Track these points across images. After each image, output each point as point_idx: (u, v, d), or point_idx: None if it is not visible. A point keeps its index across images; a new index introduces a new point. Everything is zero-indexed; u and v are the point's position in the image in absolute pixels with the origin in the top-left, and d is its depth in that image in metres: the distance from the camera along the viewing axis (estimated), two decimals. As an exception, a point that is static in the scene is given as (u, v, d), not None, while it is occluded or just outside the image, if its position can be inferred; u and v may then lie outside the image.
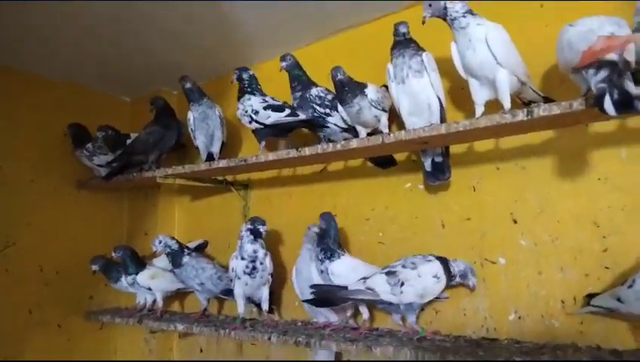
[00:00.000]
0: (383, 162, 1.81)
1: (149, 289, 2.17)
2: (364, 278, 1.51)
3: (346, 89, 1.60)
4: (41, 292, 2.28)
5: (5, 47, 2.11)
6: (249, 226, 1.82)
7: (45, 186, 2.35)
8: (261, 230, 1.82)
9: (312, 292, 1.52)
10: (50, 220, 2.35)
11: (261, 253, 1.80)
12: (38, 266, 2.30)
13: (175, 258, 1.99)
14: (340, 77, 1.60)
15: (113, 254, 2.17)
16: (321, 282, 1.64)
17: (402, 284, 1.44)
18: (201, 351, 2.36)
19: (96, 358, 2.48)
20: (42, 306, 2.28)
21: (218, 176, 2.23)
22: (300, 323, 1.87)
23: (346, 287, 1.50)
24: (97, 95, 2.62)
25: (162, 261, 2.33)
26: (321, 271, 1.65)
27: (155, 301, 2.22)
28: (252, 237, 1.81)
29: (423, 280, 1.46)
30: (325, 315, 1.76)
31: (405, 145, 1.54)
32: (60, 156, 2.40)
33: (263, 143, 1.87)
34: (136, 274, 2.15)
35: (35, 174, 2.32)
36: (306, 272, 1.74)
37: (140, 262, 2.21)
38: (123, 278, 2.19)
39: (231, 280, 1.85)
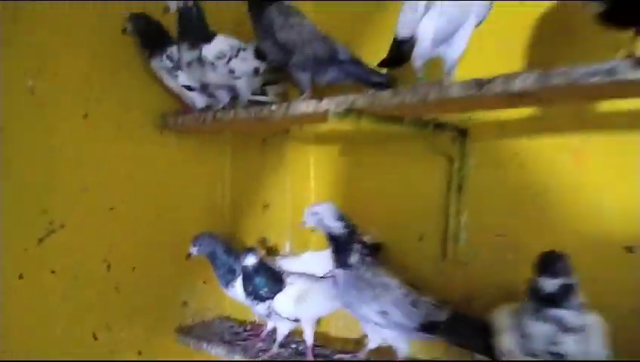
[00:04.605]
0: None
1: (295, 320, 1.20)
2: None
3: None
4: (109, 300, 1.38)
5: None
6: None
7: (105, 124, 1.35)
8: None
9: None
10: (114, 180, 1.37)
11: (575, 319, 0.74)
12: (104, 261, 1.37)
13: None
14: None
15: (245, 261, 1.16)
16: None
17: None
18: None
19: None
20: (112, 325, 1.39)
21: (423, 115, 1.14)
22: None
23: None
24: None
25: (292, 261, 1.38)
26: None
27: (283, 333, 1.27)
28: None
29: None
30: None
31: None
32: (124, 73, 1.38)
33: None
34: (272, 297, 1.17)
35: (89, 106, 1.32)
36: None
37: (276, 276, 1.20)
38: (239, 289, 1.22)
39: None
